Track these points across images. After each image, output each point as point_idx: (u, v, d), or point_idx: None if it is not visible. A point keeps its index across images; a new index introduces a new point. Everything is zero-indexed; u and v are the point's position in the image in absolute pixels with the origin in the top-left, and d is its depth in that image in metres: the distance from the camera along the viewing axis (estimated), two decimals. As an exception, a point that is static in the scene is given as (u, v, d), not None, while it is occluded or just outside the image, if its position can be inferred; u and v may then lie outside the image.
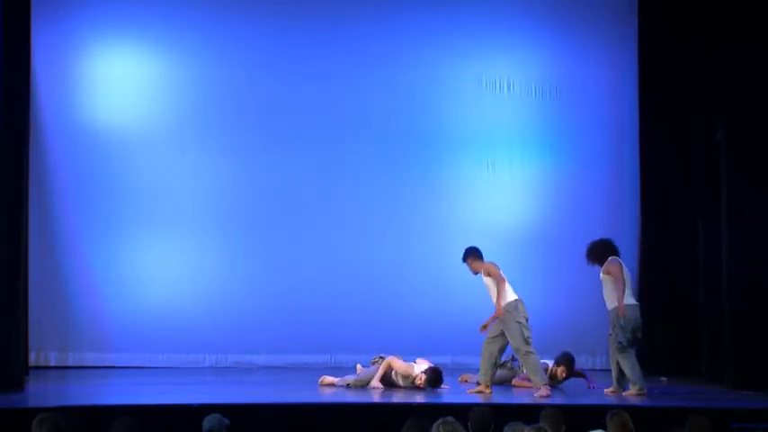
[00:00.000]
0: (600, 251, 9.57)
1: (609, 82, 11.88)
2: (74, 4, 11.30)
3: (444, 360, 11.16)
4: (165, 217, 11.27)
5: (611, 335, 9.41)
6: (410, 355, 11.31)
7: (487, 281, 9.39)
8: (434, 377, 9.46)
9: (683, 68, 10.93)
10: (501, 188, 11.80)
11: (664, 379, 10.66)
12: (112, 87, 11.35)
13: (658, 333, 11.06)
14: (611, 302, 9.43)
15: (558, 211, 11.76)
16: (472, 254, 9.54)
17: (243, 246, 11.35)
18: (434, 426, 5.26)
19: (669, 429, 6.19)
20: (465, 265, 9.54)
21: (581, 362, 11.50)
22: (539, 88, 11.87)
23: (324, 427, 7.86)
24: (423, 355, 10.97)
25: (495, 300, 9.29)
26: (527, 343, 9.19)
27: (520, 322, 9.21)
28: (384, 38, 11.75)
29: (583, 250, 11.32)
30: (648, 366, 11.07)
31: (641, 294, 11.40)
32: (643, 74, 11.49)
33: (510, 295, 9.29)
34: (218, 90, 11.51)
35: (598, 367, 11.59)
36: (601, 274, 9.52)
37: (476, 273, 9.51)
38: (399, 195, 11.64)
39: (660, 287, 11.14)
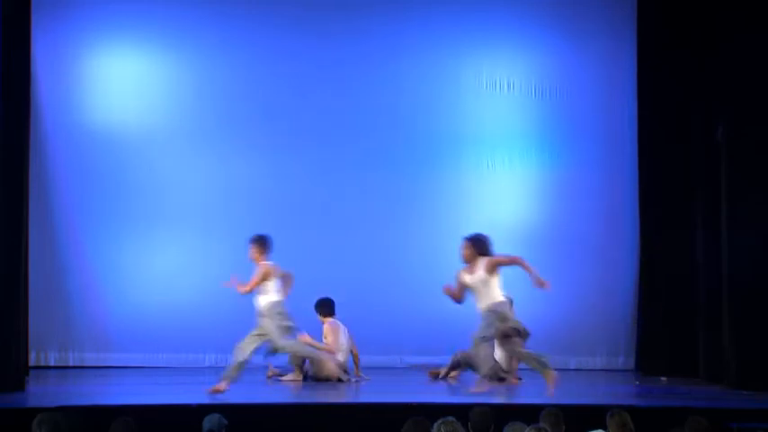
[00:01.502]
0: (486, 246, 8.94)
1: (608, 81, 11.89)
2: (74, 4, 11.32)
3: (444, 360, 11.17)
4: (166, 217, 11.29)
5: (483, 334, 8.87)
6: (410, 355, 11.38)
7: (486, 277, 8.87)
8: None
9: (682, 67, 10.92)
10: (501, 188, 11.81)
11: (663, 379, 10.66)
12: (113, 87, 11.38)
13: (658, 333, 11.07)
14: (491, 300, 8.81)
15: (558, 211, 11.77)
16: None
17: (244, 245, 11.33)
18: (435, 425, 5.26)
19: (669, 429, 6.19)
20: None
21: (581, 362, 11.53)
22: (539, 88, 11.88)
23: (324, 427, 7.86)
24: (422, 354, 11.06)
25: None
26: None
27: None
28: (383, 38, 11.76)
29: (582, 251, 11.36)
30: (648, 366, 11.10)
31: (641, 294, 11.43)
32: (642, 73, 11.49)
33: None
34: (219, 89, 11.53)
35: (598, 367, 11.60)
36: (482, 273, 8.83)
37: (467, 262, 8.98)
38: (399, 195, 11.65)
39: (660, 286, 11.14)
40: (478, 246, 8.93)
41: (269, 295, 8.90)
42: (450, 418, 5.30)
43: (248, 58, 11.59)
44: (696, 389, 9.88)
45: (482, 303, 8.86)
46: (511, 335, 8.89)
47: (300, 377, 10.09)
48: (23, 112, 9.31)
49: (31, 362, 10.39)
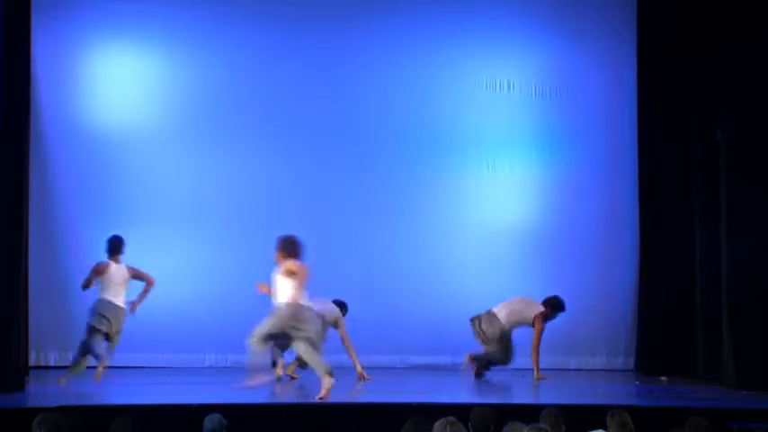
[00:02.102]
0: (293, 248, 8.76)
1: (608, 81, 11.89)
2: (74, 4, 11.33)
3: (444, 360, 11.19)
4: (165, 216, 11.28)
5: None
6: (410, 355, 11.36)
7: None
8: None
9: (682, 67, 10.92)
10: (501, 188, 11.81)
11: (663, 379, 10.67)
12: (113, 87, 11.38)
13: (658, 333, 11.07)
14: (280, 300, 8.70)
15: (558, 212, 11.77)
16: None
17: (243, 245, 11.34)
18: (440, 425, 5.25)
19: (669, 429, 6.19)
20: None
21: (581, 362, 11.52)
22: (539, 88, 11.88)
23: (324, 427, 7.86)
24: (422, 354, 11.07)
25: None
26: None
27: None
28: (383, 39, 11.76)
29: (582, 251, 11.35)
30: (648, 366, 11.11)
31: (641, 294, 11.42)
32: (642, 73, 11.50)
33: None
34: (219, 89, 11.53)
35: (598, 367, 11.60)
36: (278, 274, 8.73)
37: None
38: (399, 196, 11.65)
39: (660, 286, 11.15)
40: (286, 248, 8.76)
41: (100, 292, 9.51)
42: (452, 419, 5.30)
43: (248, 58, 11.59)
44: (696, 389, 9.88)
45: (275, 300, 8.75)
46: (285, 335, 8.71)
47: (282, 361, 10.02)
48: (23, 112, 9.30)
49: (31, 362, 10.39)
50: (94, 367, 9.59)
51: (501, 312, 10.36)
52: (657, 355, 11.02)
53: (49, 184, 11.13)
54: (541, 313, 10.38)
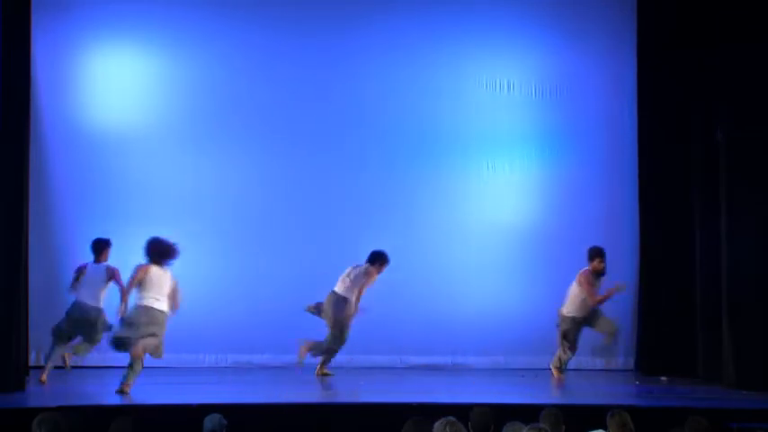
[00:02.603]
0: (153, 252, 9.24)
1: (608, 82, 11.88)
2: (74, 4, 11.32)
3: (444, 360, 11.18)
4: (164, 216, 11.25)
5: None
6: (410, 355, 11.34)
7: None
8: None
9: (682, 67, 10.92)
10: (501, 189, 11.80)
11: (663, 379, 10.67)
12: (112, 87, 11.38)
13: (658, 333, 11.07)
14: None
15: (558, 212, 11.76)
16: None
17: (242, 245, 11.35)
18: (440, 425, 5.25)
19: (669, 429, 6.20)
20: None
21: (581, 362, 11.51)
22: (539, 88, 11.87)
23: (324, 427, 7.87)
24: (422, 354, 11.04)
25: None
26: None
27: None
28: (383, 39, 11.75)
29: (582, 251, 11.33)
30: (648, 366, 11.11)
31: (641, 294, 11.42)
32: (642, 73, 11.50)
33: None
34: (218, 89, 11.53)
35: (598, 367, 11.60)
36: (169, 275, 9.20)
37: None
38: (399, 196, 11.64)
39: (659, 287, 11.15)
40: (149, 250, 9.22)
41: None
42: (452, 419, 5.30)
43: (247, 58, 11.59)
44: (696, 389, 9.88)
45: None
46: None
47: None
48: (23, 113, 9.31)
49: (31, 362, 10.38)
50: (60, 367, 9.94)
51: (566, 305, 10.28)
52: (657, 355, 11.02)
53: (49, 184, 11.12)
54: (579, 274, 10.17)
